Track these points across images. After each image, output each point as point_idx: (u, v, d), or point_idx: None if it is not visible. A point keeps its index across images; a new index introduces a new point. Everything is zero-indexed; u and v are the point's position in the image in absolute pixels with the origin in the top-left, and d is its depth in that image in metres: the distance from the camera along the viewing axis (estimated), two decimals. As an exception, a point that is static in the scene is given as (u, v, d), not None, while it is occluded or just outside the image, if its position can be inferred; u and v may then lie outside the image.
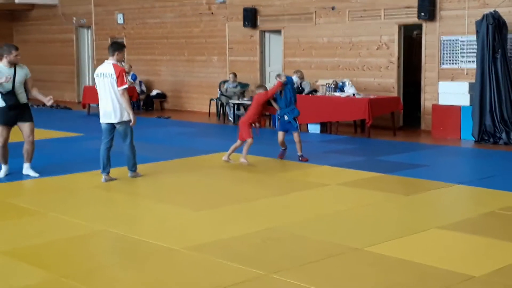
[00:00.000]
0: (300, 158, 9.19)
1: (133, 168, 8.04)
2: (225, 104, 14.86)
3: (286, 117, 9.13)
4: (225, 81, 15.19)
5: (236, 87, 14.79)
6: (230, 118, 14.63)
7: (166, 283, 4.52)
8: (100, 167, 7.84)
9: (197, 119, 15.16)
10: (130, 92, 16.45)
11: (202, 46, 16.61)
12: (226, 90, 14.84)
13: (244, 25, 15.34)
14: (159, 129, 13.35)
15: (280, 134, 9.32)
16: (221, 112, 15.02)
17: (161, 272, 4.76)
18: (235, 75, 14.95)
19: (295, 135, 9.15)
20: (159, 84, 17.67)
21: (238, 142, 9.03)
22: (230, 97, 14.67)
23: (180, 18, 17.00)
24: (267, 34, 15.40)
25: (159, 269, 4.81)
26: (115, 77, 7.63)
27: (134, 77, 16.97)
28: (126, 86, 7.65)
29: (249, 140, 8.90)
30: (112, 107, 7.69)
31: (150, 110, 17.05)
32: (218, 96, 15.13)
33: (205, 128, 13.81)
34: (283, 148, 9.39)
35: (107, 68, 7.73)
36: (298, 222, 6.01)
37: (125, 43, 17.59)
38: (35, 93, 8.24)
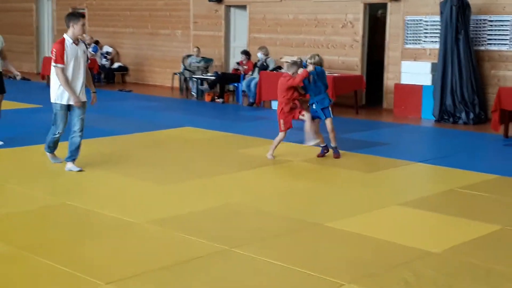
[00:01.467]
0: (334, 151, 7.88)
1: (49, 149, 7.14)
2: (188, 78, 14.70)
3: (314, 106, 7.94)
4: (188, 56, 15.01)
5: (199, 62, 14.64)
6: (193, 93, 14.49)
7: (127, 257, 4.47)
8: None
9: (159, 93, 14.98)
10: (91, 64, 16.22)
11: (166, 19, 16.35)
12: (190, 64, 14.68)
13: (209, 0, 15.13)
14: (120, 102, 13.13)
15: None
16: (184, 86, 14.87)
17: (122, 246, 4.69)
18: (199, 49, 14.78)
19: (327, 123, 7.90)
20: (121, 57, 17.36)
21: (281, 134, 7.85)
22: (193, 72, 14.52)
23: (144, -10, 16.69)
24: (232, 9, 15.24)
25: (119, 243, 4.75)
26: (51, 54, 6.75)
27: (95, 49, 16.62)
28: (53, 64, 6.62)
29: (280, 135, 7.81)
30: (50, 86, 6.90)
31: (111, 83, 16.76)
32: (182, 70, 14.96)
33: (167, 102, 13.66)
34: (322, 145, 7.94)
35: None
36: (260, 197, 6.00)
37: (86, 14, 17.16)
38: (7, 63, 8.38)
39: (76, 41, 6.71)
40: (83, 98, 6.86)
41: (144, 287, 3.96)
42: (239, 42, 15.19)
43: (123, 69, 17.16)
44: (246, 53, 13.77)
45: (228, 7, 15.18)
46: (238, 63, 13.83)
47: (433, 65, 11.54)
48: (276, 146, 7.77)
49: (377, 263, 4.37)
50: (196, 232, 4.95)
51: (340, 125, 10.76)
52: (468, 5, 11.10)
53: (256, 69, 13.22)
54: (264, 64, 13.18)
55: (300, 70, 7.66)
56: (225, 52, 15.32)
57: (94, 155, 7.80)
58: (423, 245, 4.70)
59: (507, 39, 11.15)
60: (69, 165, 6.91)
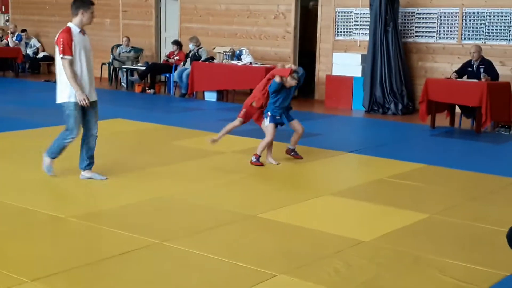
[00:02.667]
0: (292, 153, 7.32)
1: (48, 151, 6.15)
2: (118, 69, 14.36)
3: (278, 116, 7.07)
4: (118, 45, 14.66)
5: (129, 51, 14.33)
6: (123, 83, 14.18)
7: (55, 253, 4.29)
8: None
9: (88, 84, 14.54)
10: (15, 53, 15.60)
11: (95, 8, 15.85)
12: (119, 54, 14.35)
13: (139, -12, 14.82)
14: (46, 93, 12.64)
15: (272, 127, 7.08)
16: (114, 77, 14.51)
17: (50, 242, 4.51)
18: (128, 39, 14.46)
19: (298, 124, 7.27)
20: (47, 46, 16.76)
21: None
22: (123, 62, 14.19)
23: (71, -23, 16.15)
24: (163, -1, 14.99)
25: (47, 239, 4.56)
26: (56, 45, 5.82)
27: (19, 38, 15.97)
28: (60, 56, 5.75)
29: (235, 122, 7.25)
30: (57, 84, 5.95)
31: (37, 73, 16.17)
32: (111, 60, 14.60)
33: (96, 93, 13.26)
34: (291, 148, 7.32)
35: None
36: (191, 190, 5.90)
37: (10, 2, 16.47)
38: None
39: (83, 31, 5.89)
40: (94, 96, 6.00)
41: (72, 284, 3.81)
42: (170, 32, 14.96)
43: (49, 59, 16.58)
44: (177, 43, 13.58)
45: (159, -4, 14.91)
46: (167, 56, 13.60)
47: (363, 56, 11.72)
48: (224, 133, 7.30)
49: (309, 253, 4.37)
50: (127, 226, 4.81)
51: (272, 116, 10.79)
52: (396, -2, 11.33)
53: (188, 60, 13.05)
54: (196, 54, 13.03)
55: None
56: (155, 42, 15.06)
57: (18, 149, 7.47)
58: (354, 234, 4.74)
59: (434, 32, 11.45)
60: (88, 173, 6.06)
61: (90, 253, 4.28)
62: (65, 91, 5.81)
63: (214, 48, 13.20)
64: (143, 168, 6.68)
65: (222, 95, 12.66)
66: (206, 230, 4.83)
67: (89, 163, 6.08)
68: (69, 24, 5.82)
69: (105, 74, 15.01)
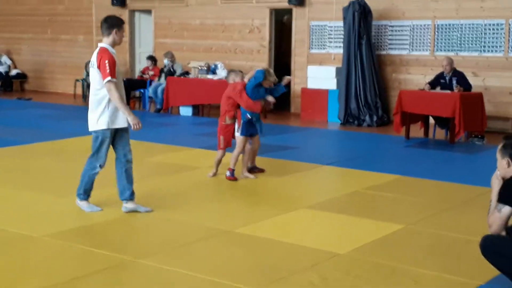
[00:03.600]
0: (256, 170, 7.17)
1: (79, 191, 5.65)
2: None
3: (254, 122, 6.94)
4: (92, 62, 14.55)
5: (104, 68, 14.21)
6: (98, 100, 14.04)
7: (26, 272, 4.20)
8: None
9: (61, 101, 14.45)
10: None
11: (67, 24, 15.80)
12: (94, 71, 14.22)
13: (113, 4, 14.78)
14: (19, 111, 12.52)
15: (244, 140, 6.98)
16: (88, 94, 14.37)
17: (21, 261, 4.42)
18: (102, 55, 14.35)
19: (258, 140, 7.17)
20: (19, 64, 16.60)
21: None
22: (98, 79, 14.07)
23: (43, -6, 16.08)
24: (137, 14, 14.95)
25: (18, 258, 4.47)
26: (96, 66, 5.34)
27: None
28: (108, 78, 5.25)
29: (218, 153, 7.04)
30: (90, 109, 5.47)
31: (9, 91, 15.98)
32: (84, 77, 14.49)
33: (70, 110, 13.16)
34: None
35: (95, 54, 5.41)
36: (168, 206, 5.84)
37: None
38: None
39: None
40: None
41: (41, 306, 3.72)
42: (144, 47, 14.91)
43: (22, 76, 16.41)
44: (152, 58, 13.53)
45: (132, 11, 14.88)
46: (141, 72, 13.54)
47: (338, 69, 11.80)
48: (217, 166, 7.02)
49: (285, 267, 4.33)
50: (100, 243, 4.74)
51: (248, 130, 10.78)
52: (369, 11, 11.44)
53: (163, 75, 13.00)
54: (171, 69, 12.99)
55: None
56: (130, 58, 15.00)
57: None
58: (330, 247, 4.72)
59: (407, 44, 11.57)
60: (132, 205, 5.58)
61: (62, 272, 4.20)
62: (104, 117, 5.38)
63: (189, 63, 13.18)
64: (115, 185, 6.58)
65: (197, 110, 12.62)
66: (181, 246, 4.77)
67: (132, 192, 5.59)
68: (103, 45, 5.40)
69: (79, 91, 14.89)
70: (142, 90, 13.53)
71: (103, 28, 5.46)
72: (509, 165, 3.73)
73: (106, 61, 5.25)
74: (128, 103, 13.04)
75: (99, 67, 5.30)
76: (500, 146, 3.79)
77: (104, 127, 5.40)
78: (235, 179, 6.85)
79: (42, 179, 6.91)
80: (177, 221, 5.40)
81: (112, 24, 5.43)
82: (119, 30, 5.42)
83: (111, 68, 5.25)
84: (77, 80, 14.93)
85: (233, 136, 7.09)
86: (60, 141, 9.20)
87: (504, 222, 3.66)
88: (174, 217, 5.50)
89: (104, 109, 5.36)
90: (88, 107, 5.54)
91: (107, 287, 3.99)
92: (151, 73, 13.32)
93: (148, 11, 14.60)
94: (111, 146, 5.59)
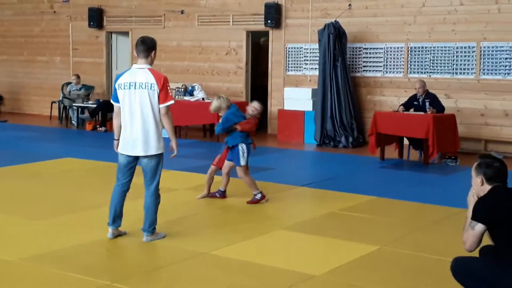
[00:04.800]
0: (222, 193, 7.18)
1: (150, 227, 5.44)
2: (68, 107, 14.21)
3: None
4: (68, 83, 14.53)
5: (80, 89, 14.21)
6: (73, 122, 14.02)
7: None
8: (109, 217, 5.45)
9: (37, 122, 14.34)
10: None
11: (44, 46, 15.76)
12: (69, 92, 14.21)
13: (89, 26, 14.81)
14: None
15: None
16: (64, 115, 14.34)
17: (-8, 287, 4.36)
18: (78, 77, 14.36)
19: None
20: (-6, 85, 16.50)
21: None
22: (73, 100, 14.07)
23: (19, 16, 16.02)
24: (114, 36, 14.97)
25: (-11, 284, 4.41)
26: (157, 88, 5.14)
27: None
28: (171, 102, 5.25)
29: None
30: (146, 132, 5.22)
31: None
32: (61, 98, 14.46)
33: (46, 132, 13.07)
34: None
35: (143, 75, 5.17)
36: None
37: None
38: None
39: None
40: None
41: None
42: (121, 69, 14.88)
43: (-2, 98, 16.30)
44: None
45: (110, 33, 14.91)
46: None
47: (314, 91, 11.93)
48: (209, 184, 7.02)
49: (261, 289, 4.36)
50: (75, 267, 4.72)
51: (225, 152, 10.83)
52: (344, 33, 11.62)
53: (140, 97, 13.00)
54: (148, 91, 13.00)
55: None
56: (106, 80, 14.99)
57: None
58: (305, 269, 4.76)
59: (381, 66, 11.77)
60: (154, 237, 5.49)
61: (37, 298, 4.17)
62: (161, 140, 5.28)
63: (166, 85, 13.20)
64: (93, 207, 6.57)
65: (175, 131, 12.60)
66: (158, 268, 4.78)
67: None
68: (148, 66, 5.25)
69: (55, 113, 14.82)
70: (119, 112, 13.49)
71: (140, 48, 5.25)
72: (482, 183, 3.81)
73: (168, 84, 5.22)
74: (104, 124, 13.13)
75: (161, 89, 5.15)
76: (475, 164, 3.88)
77: (162, 150, 5.32)
78: (262, 199, 6.89)
79: (16, 202, 6.85)
80: (153, 243, 5.39)
81: (151, 45, 5.29)
82: (155, 53, 5.33)
83: (169, 91, 5.24)
84: (53, 102, 14.86)
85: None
86: (35, 163, 9.14)
87: (477, 239, 3.72)
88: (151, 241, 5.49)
89: (161, 132, 5.29)
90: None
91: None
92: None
93: (125, 33, 14.64)
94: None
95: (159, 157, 5.32)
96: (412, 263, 4.98)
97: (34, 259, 4.89)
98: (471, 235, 3.71)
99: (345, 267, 4.84)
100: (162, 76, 5.21)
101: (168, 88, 5.21)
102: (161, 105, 5.17)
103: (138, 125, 5.20)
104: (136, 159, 5.35)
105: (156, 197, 5.40)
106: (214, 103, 6.96)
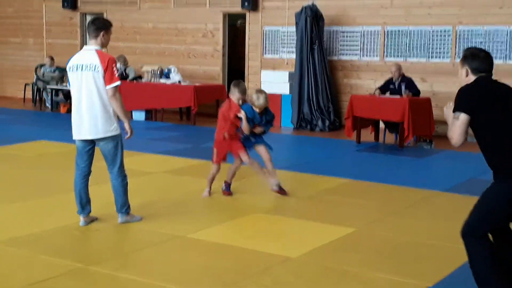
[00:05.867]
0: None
1: (123, 208, 5.42)
2: (42, 89, 13.99)
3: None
4: (42, 65, 14.30)
5: (54, 71, 13.99)
6: (47, 104, 13.83)
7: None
8: (77, 206, 5.37)
9: (10, 105, 14.13)
10: None
11: (17, 27, 15.47)
12: (43, 74, 13.99)
13: (63, 7, 14.57)
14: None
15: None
16: (38, 98, 14.13)
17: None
18: (52, 58, 14.13)
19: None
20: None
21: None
22: (47, 82, 13.85)
23: (-9, -4, 15.71)
24: (88, 17, 14.75)
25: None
26: (101, 69, 5.05)
27: None
28: (117, 83, 5.10)
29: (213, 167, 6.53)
30: (93, 115, 5.13)
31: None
32: (35, 81, 14.22)
33: (19, 115, 12.89)
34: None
35: (89, 57, 5.10)
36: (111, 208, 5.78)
37: None
38: None
39: None
40: None
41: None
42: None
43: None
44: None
45: (84, 14, 14.69)
46: None
47: (291, 74, 11.92)
48: (210, 185, 6.52)
49: (237, 271, 4.37)
50: (49, 250, 4.68)
51: (203, 135, 10.78)
52: (321, 16, 11.60)
53: (116, 79, 12.86)
54: (124, 73, 12.87)
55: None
56: (82, 62, 14.77)
57: None
58: (282, 251, 4.78)
59: (358, 49, 11.79)
60: (128, 218, 5.46)
61: (13, 280, 4.13)
62: (113, 122, 5.16)
63: (142, 67, 13.09)
64: (68, 191, 6.47)
65: (150, 114, 12.54)
66: (133, 251, 4.75)
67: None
68: (96, 47, 5.15)
69: (29, 95, 14.60)
70: (94, 94, 13.35)
71: (90, 30, 5.22)
72: (467, 74, 3.75)
73: (113, 64, 5.07)
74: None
75: (106, 70, 5.03)
76: (461, 57, 3.83)
77: (117, 131, 5.20)
78: (230, 194, 6.52)
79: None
80: (129, 226, 5.36)
81: (99, 26, 5.20)
82: (106, 33, 5.20)
83: (117, 71, 5.12)
84: (27, 84, 14.62)
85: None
86: (9, 146, 9.01)
87: (462, 131, 3.60)
88: (125, 224, 5.45)
89: (113, 114, 5.15)
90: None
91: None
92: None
93: (100, 14, 14.42)
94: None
95: (114, 139, 5.22)
96: (387, 245, 5.03)
97: (7, 242, 4.84)
98: (456, 127, 3.61)
99: (321, 249, 4.87)
100: (107, 57, 5.09)
101: (114, 69, 5.06)
102: (107, 87, 5.06)
103: (85, 108, 5.13)
104: (92, 142, 5.26)
105: (122, 179, 5.34)
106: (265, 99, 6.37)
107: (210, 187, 6.50)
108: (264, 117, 6.54)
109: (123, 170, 5.34)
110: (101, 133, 5.15)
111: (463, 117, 3.61)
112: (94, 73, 5.06)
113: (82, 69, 5.10)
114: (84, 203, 5.35)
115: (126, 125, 5.20)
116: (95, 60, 5.06)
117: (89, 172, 5.38)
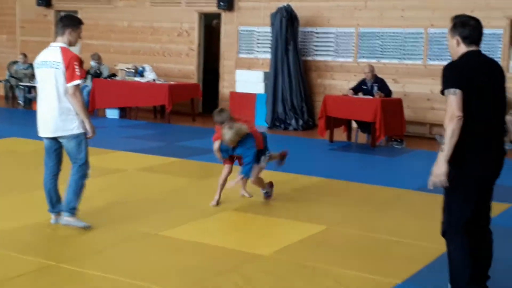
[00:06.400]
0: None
1: (68, 207, 5.20)
2: (15, 86, 13.84)
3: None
4: (15, 62, 14.14)
5: (27, 68, 13.85)
6: (20, 101, 13.69)
7: None
8: (48, 204, 5.30)
9: (-17, 102, 13.92)
10: None
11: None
12: (16, 71, 13.84)
13: (38, 4, 14.43)
14: None
15: None
16: (10, 95, 13.98)
17: None
18: (25, 55, 13.99)
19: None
20: None
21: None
22: (20, 79, 13.71)
23: (-37, -8, 15.47)
24: (62, 14, 14.60)
25: None
26: (62, 67, 4.95)
27: None
28: (78, 81, 4.97)
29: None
30: (53, 113, 5.04)
31: None
32: (7, 77, 14.06)
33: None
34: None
35: (53, 54, 5.01)
36: (92, 209, 5.76)
37: None
38: None
39: None
40: None
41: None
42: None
43: None
44: (78, 60, 13.27)
45: (58, 11, 14.55)
46: None
47: (266, 74, 11.97)
48: (221, 190, 6.10)
49: (208, 268, 4.39)
50: (19, 248, 4.65)
51: (177, 133, 10.79)
52: (296, 17, 11.67)
53: (89, 77, 12.79)
54: (98, 71, 12.80)
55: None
56: (55, 59, 14.64)
57: None
58: (253, 249, 4.81)
59: (332, 50, 11.89)
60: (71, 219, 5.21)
61: (-20, 278, 4.10)
62: (75, 121, 5.04)
63: (116, 65, 13.02)
64: (38, 189, 6.41)
65: (125, 112, 12.49)
66: (104, 249, 4.75)
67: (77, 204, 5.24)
68: (61, 45, 5.05)
69: (1, 92, 14.43)
70: (67, 92, 13.24)
71: (58, 27, 5.18)
72: (458, 44, 3.62)
73: (76, 62, 4.95)
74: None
75: (67, 67, 4.92)
76: (450, 27, 3.69)
77: (79, 130, 5.07)
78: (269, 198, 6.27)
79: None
80: (100, 224, 5.34)
81: (66, 23, 5.11)
82: (74, 31, 5.10)
83: (81, 69, 4.97)
84: (-1, 81, 14.46)
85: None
86: (-21, 143, 8.91)
87: (458, 105, 3.46)
88: (97, 220, 5.43)
89: (75, 112, 5.04)
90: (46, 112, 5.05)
91: (28, 292, 3.93)
92: (76, 74, 13.05)
93: (74, 12, 14.29)
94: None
95: (76, 138, 5.09)
96: (359, 243, 5.09)
97: (-23, 240, 4.79)
98: (453, 101, 3.45)
99: (293, 247, 4.91)
100: (70, 55, 4.97)
101: (76, 67, 4.92)
102: (68, 85, 4.94)
103: (46, 106, 5.06)
104: (57, 141, 5.16)
105: (79, 176, 5.17)
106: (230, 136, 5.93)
107: (220, 195, 6.05)
108: (240, 149, 5.99)
109: (85, 168, 5.20)
110: (61, 131, 5.05)
111: (459, 92, 3.47)
112: (56, 71, 4.97)
113: (46, 66, 5.03)
114: (55, 202, 5.30)
115: (87, 125, 5.07)
116: (58, 57, 4.97)
117: (58, 171, 5.30)
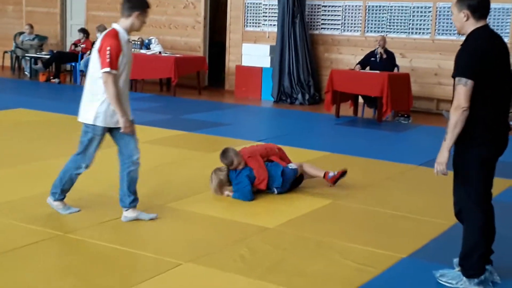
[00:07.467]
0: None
1: (54, 189, 4.89)
2: (20, 57, 13.82)
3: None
4: (21, 33, 14.09)
5: (33, 39, 13.81)
6: (26, 72, 13.68)
7: None
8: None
9: (-12, 73, 13.92)
10: None
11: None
12: (22, 42, 13.80)
13: (43, -27, 14.30)
14: None
15: None
16: (17, 66, 13.96)
17: None
18: (31, 26, 13.94)
19: None
20: None
21: None
22: (26, 50, 13.68)
23: (-32, -39, 15.36)
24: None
25: None
26: (97, 50, 4.56)
27: None
28: (107, 69, 4.45)
29: None
30: (84, 96, 4.70)
31: None
32: (13, 48, 14.02)
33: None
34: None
35: (100, 36, 4.63)
36: (98, 181, 5.79)
37: None
38: None
39: (129, 38, 4.67)
40: (131, 114, 4.79)
41: (-33, 281, 3.68)
42: (76, 19, 14.54)
43: None
44: (83, 31, 13.22)
45: (64, -18, 14.46)
46: (74, 44, 13.24)
47: (272, 47, 11.90)
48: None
49: (215, 241, 4.43)
50: (27, 218, 4.69)
51: (183, 106, 10.78)
52: (303, -10, 11.56)
53: (95, 49, 12.74)
54: (104, 43, 12.74)
55: None
56: (61, 30, 14.59)
57: None
58: (259, 221, 4.85)
59: (339, 24, 11.79)
60: (133, 213, 4.80)
61: (-10, 247, 4.15)
62: (92, 110, 4.59)
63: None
64: (46, 159, 6.49)
65: (130, 84, 12.45)
66: (111, 220, 4.78)
67: (134, 198, 4.80)
68: (116, 27, 4.57)
69: (7, 63, 14.41)
70: (73, 64, 13.23)
71: (123, 7, 4.59)
72: (467, 18, 3.51)
73: (108, 48, 4.43)
74: (58, 76, 12.84)
75: (99, 51, 4.49)
76: (454, 0, 3.59)
77: (98, 123, 4.61)
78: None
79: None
80: (107, 195, 5.37)
81: (134, 5, 4.57)
82: (141, 14, 4.58)
83: (112, 57, 4.43)
84: (5, 52, 14.41)
85: None
86: (-14, 114, 8.93)
87: (467, 96, 3.44)
88: (104, 191, 5.48)
89: (102, 102, 4.57)
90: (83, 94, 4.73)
91: (40, 260, 3.97)
92: (82, 46, 13.02)
93: (80, -17, 14.23)
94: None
95: (86, 128, 4.68)
96: (364, 217, 5.12)
97: (-15, 209, 4.84)
98: (462, 92, 3.42)
99: (298, 220, 4.94)
100: (107, 39, 4.48)
101: (107, 52, 4.43)
102: (100, 71, 4.51)
103: (85, 89, 4.74)
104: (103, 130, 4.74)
105: (75, 167, 4.79)
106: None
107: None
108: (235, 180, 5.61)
109: (82, 161, 4.78)
110: (81, 116, 4.71)
111: (470, 83, 3.45)
112: (95, 54, 4.57)
113: (95, 46, 4.66)
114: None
115: (119, 117, 4.58)
116: (100, 40, 4.58)
117: (123, 161, 4.88)
